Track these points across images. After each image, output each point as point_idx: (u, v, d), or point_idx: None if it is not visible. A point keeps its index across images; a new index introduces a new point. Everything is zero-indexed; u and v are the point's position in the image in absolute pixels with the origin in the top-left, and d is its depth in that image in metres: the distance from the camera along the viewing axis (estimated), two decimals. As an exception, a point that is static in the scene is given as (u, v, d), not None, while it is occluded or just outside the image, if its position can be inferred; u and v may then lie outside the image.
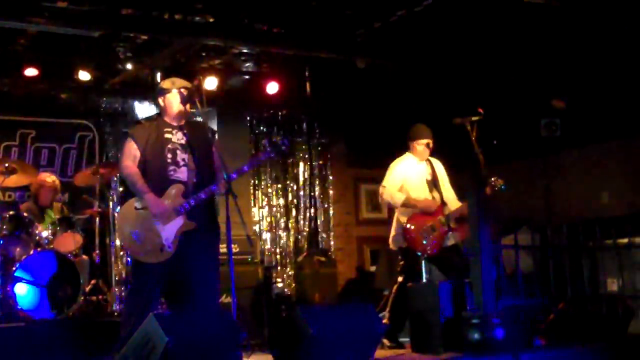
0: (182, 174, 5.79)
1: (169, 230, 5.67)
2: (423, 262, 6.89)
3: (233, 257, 7.83)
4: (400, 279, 7.11)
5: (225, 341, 5.13)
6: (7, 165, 7.85)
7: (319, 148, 11.22)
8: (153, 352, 4.79)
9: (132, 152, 5.83)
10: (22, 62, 8.65)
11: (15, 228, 7.71)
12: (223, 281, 7.66)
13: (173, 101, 5.88)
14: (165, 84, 5.97)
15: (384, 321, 6.95)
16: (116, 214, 7.92)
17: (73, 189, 9.30)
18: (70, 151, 9.94)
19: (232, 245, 8.04)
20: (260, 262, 8.85)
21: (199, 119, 6.14)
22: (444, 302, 6.23)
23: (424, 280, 6.81)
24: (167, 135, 5.86)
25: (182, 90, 5.86)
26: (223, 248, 7.94)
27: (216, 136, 6.03)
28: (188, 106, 5.90)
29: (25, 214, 7.85)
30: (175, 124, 5.91)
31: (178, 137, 5.87)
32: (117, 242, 8.09)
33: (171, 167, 5.78)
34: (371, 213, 11.39)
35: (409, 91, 9.74)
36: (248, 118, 10.73)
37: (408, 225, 7.01)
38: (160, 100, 5.97)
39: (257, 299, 8.49)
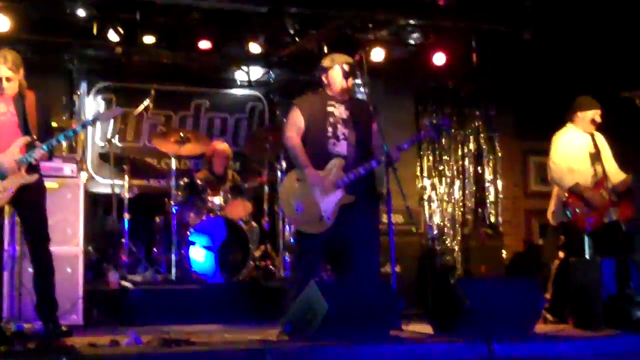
0: (342, 148, 5.92)
1: (328, 202, 5.83)
2: (585, 237, 6.75)
3: (397, 227, 8.14)
4: (561, 254, 7.00)
5: (384, 309, 5.23)
6: (181, 134, 8.23)
7: (487, 120, 11.08)
8: (314, 317, 4.96)
9: (296, 123, 6.01)
10: (196, 35, 8.95)
11: (189, 195, 8.13)
12: (387, 251, 7.91)
13: (335, 77, 6.01)
14: (326, 62, 6.08)
15: (547, 296, 6.89)
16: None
17: (243, 157, 9.67)
18: (241, 121, 10.24)
19: (397, 216, 8.25)
20: (424, 233, 8.89)
21: (362, 92, 6.24)
22: (607, 279, 6.09)
23: (587, 256, 6.68)
24: (330, 109, 5.99)
25: (344, 65, 5.97)
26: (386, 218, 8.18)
27: (378, 112, 6.10)
28: (350, 81, 6.02)
29: (199, 182, 8.24)
30: (338, 98, 6.04)
31: (340, 112, 6.00)
32: (282, 211, 8.35)
33: (331, 141, 5.92)
34: (540, 185, 11.14)
35: (576, 62, 9.45)
36: (413, 90, 10.71)
37: (569, 200, 6.88)
38: (323, 78, 6.09)
39: (421, 270, 8.57)
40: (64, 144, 7.09)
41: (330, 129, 5.94)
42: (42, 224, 5.90)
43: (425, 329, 5.67)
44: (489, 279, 8.33)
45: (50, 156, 5.96)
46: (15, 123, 5.86)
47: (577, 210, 6.82)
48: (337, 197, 5.85)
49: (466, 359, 4.78)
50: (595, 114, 7.04)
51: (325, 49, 8.90)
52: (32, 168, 5.84)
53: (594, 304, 6.10)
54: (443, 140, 10.83)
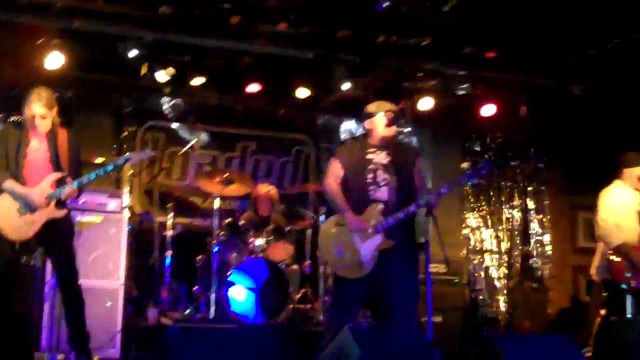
0: (382, 193, 5.91)
1: (368, 247, 5.81)
2: (628, 296, 6.63)
3: (440, 277, 8.08)
4: (603, 311, 6.89)
5: (417, 358, 5.17)
6: (225, 175, 8.28)
7: (535, 173, 10.99)
8: (346, 362, 4.92)
9: (335, 171, 6.06)
10: (245, 79, 9.05)
11: (232, 235, 8.15)
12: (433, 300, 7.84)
13: (378, 124, 6.03)
14: (371, 108, 6.11)
15: (587, 354, 6.76)
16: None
17: (288, 200, 9.70)
18: (287, 164, 10.28)
19: (440, 266, 8.19)
20: (468, 284, 8.78)
21: (406, 139, 6.25)
22: (650, 339, 5.98)
23: (629, 314, 6.55)
24: (370, 156, 6.01)
25: (388, 113, 6.00)
26: (433, 268, 8.12)
27: (420, 158, 6.09)
28: (393, 128, 6.03)
29: (241, 222, 8.27)
30: (379, 144, 6.05)
31: (381, 158, 6.00)
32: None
33: (371, 187, 5.92)
34: (588, 241, 10.95)
35: (629, 117, 9.35)
36: (461, 140, 10.68)
37: (613, 257, 6.77)
38: (366, 123, 6.12)
39: (464, 321, 8.47)
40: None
41: (370, 175, 5.95)
42: (69, 259, 6.03)
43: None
44: (528, 335, 8.20)
45: (79, 193, 6.08)
46: (48, 159, 6.02)
47: (621, 269, 6.71)
48: (376, 242, 5.83)
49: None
50: None
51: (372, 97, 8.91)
52: (61, 203, 5.97)
53: (635, 361, 5.98)
54: (491, 192, 10.77)
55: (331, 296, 7.43)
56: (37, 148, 6.05)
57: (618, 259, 6.75)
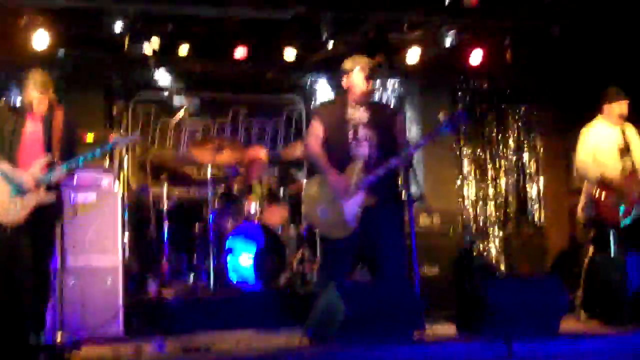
0: (363, 149, 5.96)
1: (351, 205, 5.87)
2: (611, 233, 6.67)
3: (433, 229, 8.16)
4: (590, 250, 6.94)
5: (406, 311, 5.27)
6: (217, 143, 8.33)
7: (526, 117, 10.97)
8: (334, 321, 5.02)
9: (315, 131, 6.11)
10: (231, 44, 9.01)
11: (226, 202, 8.22)
12: (425, 252, 7.91)
13: (355, 80, 6.06)
14: (347, 64, 6.14)
15: (579, 293, 6.83)
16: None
17: (281, 163, 9.75)
18: (279, 126, 10.31)
19: (434, 217, 8.27)
20: (462, 233, 8.85)
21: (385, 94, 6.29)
22: (633, 275, 6.04)
23: (612, 252, 6.61)
24: (350, 112, 6.05)
25: (364, 68, 6.02)
26: (423, 220, 8.20)
27: (400, 114, 6.13)
28: (371, 83, 6.06)
29: (235, 189, 8.34)
30: (359, 102, 6.08)
31: (361, 115, 6.04)
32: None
33: (353, 143, 5.96)
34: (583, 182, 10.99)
35: (611, 53, 9.32)
36: (450, 90, 10.66)
37: (597, 195, 6.80)
38: (343, 79, 6.15)
39: (459, 271, 8.54)
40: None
41: (351, 132, 5.99)
42: (48, 241, 6.11)
43: (453, 330, 5.68)
44: (512, 278, 8.29)
45: (70, 176, 6.19)
46: (42, 141, 6.06)
47: (606, 203, 6.73)
48: (359, 199, 5.88)
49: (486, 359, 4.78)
50: (620, 105, 6.95)
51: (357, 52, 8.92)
52: (51, 188, 6.04)
53: (619, 300, 6.05)
54: (484, 139, 10.78)
55: (320, 257, 7.52)
56: (32, 130, 6.08)
57: (603, 197, 6.78)
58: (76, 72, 9.10)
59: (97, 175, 7.21)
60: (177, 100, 9.43)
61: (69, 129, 6.20)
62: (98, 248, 7.00)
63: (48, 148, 6.05)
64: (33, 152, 6.03)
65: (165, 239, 8.18)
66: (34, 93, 6.01)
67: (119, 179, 7.47)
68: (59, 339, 5.55)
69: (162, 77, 9.74)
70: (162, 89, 9.77)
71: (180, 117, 8.87)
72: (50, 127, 6.09)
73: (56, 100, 6.23)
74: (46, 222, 6.12)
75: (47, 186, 6.01)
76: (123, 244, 7.30)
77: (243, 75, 9.92)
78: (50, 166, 6.01)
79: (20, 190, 5.96)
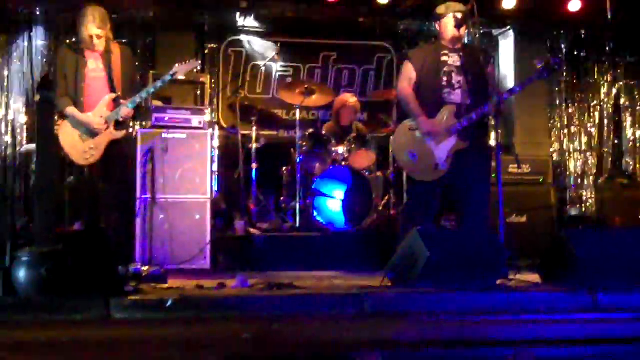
0: (456, 95, 5.94)
1: (442, 150, 5.88)
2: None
3: (525, 177, 8.07)
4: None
5: (488, 259, 5.23)
6: (306, 86, 8.36)
7: (625, 68, 10.66)
8: (416, 264, 5.02)
9: (408, 74, 6.09)
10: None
11: (314, 145, 8.25)
12: (514, 201, 7.84)
13: (448, 25, 6.02)
14: (440, 9, 6.11)
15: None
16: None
17: (371, 108, 9.73)
18: (369, 72, 10.25)
19: (524, 166, 8.16)
20: (552, 183, 8.69)
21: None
22: None
23: None
24: (444, 58, 6.02)
25: (456, 14, 5.96)
26: (513, 169, 8.09)
27: (491, 59, 6.05)
28: (463, 29, 6.01)
29: (324, 132, 8.37)
30: (451, 47, 6.04)
31: (454, 60, 6.02)
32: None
33: (446, 90, 5.96)
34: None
35: None
36: (547, 38, 10.40)
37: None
38: (436, 25, 6.15)
39: (548, 220, 8.42)
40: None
41: (445, 78, 5.97)
42: (126, 178, 6.30)
43: (537, 279, 5.62)
44: (603, 229, 8.11)
45: (135, 113, 6.31)
46: (105, 79, 6.16)
47: None
48: (450, 143, 5.90)
49: (569, 309, 4.73)
50: None
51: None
52: (120, 124, 6.15)
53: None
54: (580, 89, 10.54)
55: (407, 200, 7.51)
56: (94, 69, 6.21)
57: None
58: (169, 14, 9.23)
59: (187, 115, 7.30)
60: (268, 43, 9.52)
61: (128, 66, 6.29)
62: (187, 185, 7.13)
63: (112, 85, 6.14)
64: (97, 91, 6.16)
65: (254, 179, 8.27)
66: (93, 29, 6.08)
67: (210, 118, 7.52)
68: (146, 270, 5.65)
69: (254, 20, 9.76)
70: (253, 32, 9.82)
71: (271, 60, 8.93)
72: (110, 65, 6.17)
73: (113, 36, 6.32)
74: (121, 158, 6.26)
75: (116, 122, 6.12)
76: (212, 181, 7.39)
77: (335, 19, 9.90)
78: (115, 103, 6.10)
79: (91, 132, 6.08)
